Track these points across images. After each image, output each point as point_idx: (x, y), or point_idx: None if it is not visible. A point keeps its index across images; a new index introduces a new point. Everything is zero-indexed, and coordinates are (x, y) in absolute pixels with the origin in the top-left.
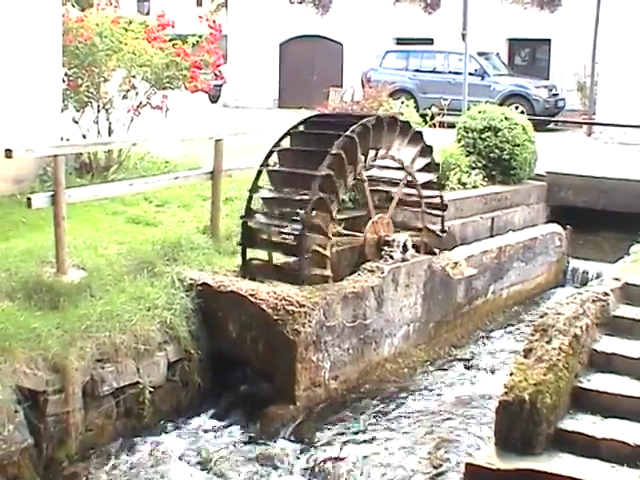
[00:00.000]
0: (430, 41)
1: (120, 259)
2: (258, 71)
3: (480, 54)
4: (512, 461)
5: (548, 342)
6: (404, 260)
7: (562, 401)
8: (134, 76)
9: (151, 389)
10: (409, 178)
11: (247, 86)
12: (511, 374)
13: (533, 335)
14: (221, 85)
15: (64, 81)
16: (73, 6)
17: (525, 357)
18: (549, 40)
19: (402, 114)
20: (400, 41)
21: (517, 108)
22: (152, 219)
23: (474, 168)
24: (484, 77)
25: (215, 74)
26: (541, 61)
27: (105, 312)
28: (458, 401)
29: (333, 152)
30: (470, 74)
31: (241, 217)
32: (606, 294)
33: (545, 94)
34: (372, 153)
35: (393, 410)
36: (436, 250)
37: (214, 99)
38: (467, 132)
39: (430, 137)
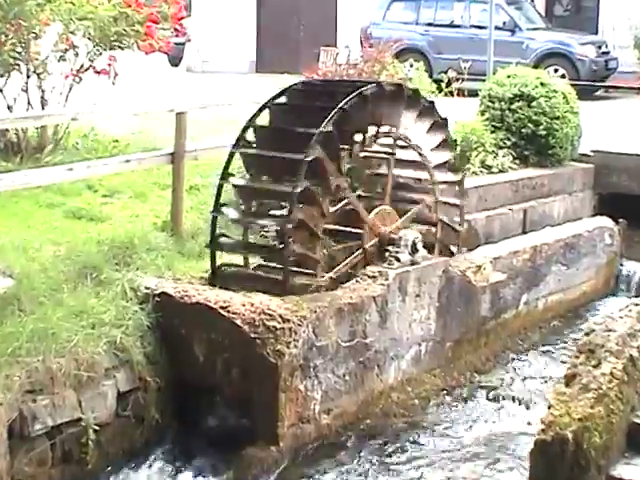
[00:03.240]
0: None
1: (57, 263)
2: (230, 26)
3: (510, 3)
4: None
5: (596, 366)
6: (413, 263)
7: (615, 441)
8: (73, 32)
9: (96, 427)
10: (418, 158)
11: (217, 45)
12: (550, 407)
13: (577, 357)
14: (184, 44)
15: None
16: None
17: (567, 385)
18: None
19: (410, 80)
20: None
21: (557, 71)
22: (97, 213)
23: (502, 147)
24: (515, 32)
25: (176, 30)
26: (587, 10)
27: (38, 330)
28: (482, 440)
29: (323, 130)
30: (497, 28)
31: (210, 212)
32: None
33: (592, 53)
34: (372, 130)
35: (400, 452)
36: (454, 249)
37: (175, 61)
38: (493, 102)
39: (446, 109)
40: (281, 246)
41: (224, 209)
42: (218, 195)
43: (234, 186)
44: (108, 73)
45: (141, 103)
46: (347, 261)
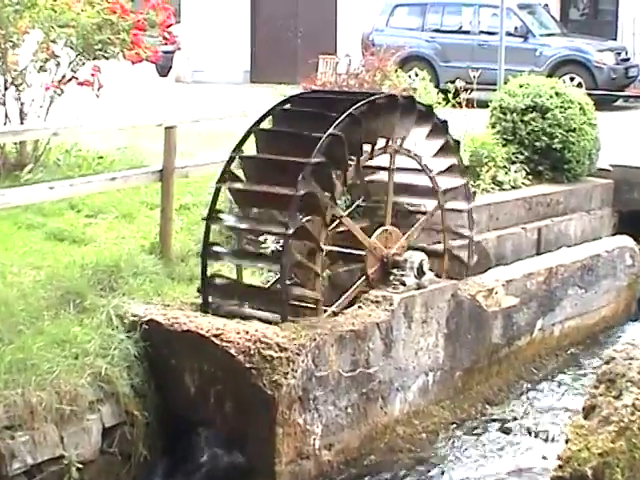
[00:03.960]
0: None
1: (37, 289)
2: (222, 32)
3: (522, 7)
4: None
5: (617, 397)
6: (420, 287)
7: (638, 478)
8: (54, 41)
9: (79, 465)
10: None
11: (208, 53)
12: (567, 441)
13: (596, 387)
14: (173, 52)
15: None
16: None
17: (586, 418)
18: None
19: (414, 90)
20: None
21: (573, 80)
22: (81, 235)
23: (514, 162)
24: (527, 38)
25: (164, 37)
26: (606, 14)
27: (17, 361)
28: (494, 478)
29: (333, 133)
30: (508, 34)
31: (203, 218)
32: None
33: (611, 60)
34: (381, 143)
35: None
36: (460, 261)
37: (164, 71)
38: (504, 113)
39: (453, 121)
40: (280, 254)
41: (215, 248)
42: (207, 234)
43: (230, 189)
44: (92, 84)
45: (127, 116)
46: (349, 293)
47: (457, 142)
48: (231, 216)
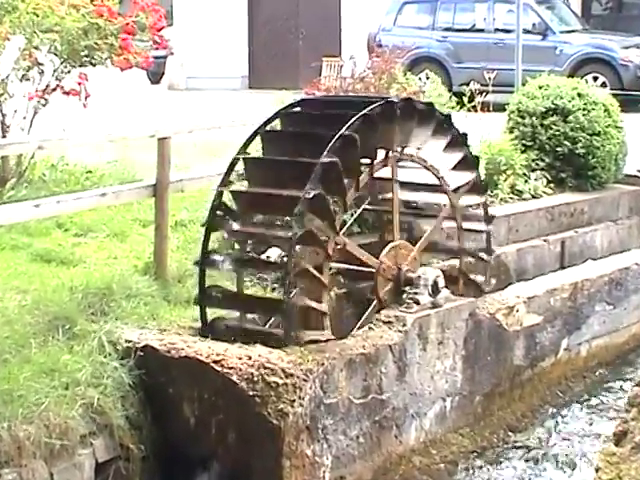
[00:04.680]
0: None
1: (23, 315)
2: (218, 36)
3: (540, 2)
4: None
5: None
6: (435, 306)
7: None
8: (37, 47)
9: None
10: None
11: (203, 58)
12: (597, 470)
13: (628, 412)
14: (165, 58)
15: None
16: None
17: (617, 444)
18: None
19: (423, 93)
20: None
21: (596, 79)
22: (69, 255)
23: (534, 169)
24: (546, 35)
25: (155, 42)
26: (630, 8)
27: (2, 393)
28: None
29: (346, 134)
30: (525, 32)
31: (202, 225)
32: None
33: (638, 57)
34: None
35: None
36: (477, 280)
37: (156, 78)
38: (523, 117)
39: (468, 127)
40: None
41: (214, 257)
42: (206, 242)
43: (233, 192)
44: (78, 93)
45: (117, 127)
46: (361, 322)
47: (464, 136)
48: (233, 222)
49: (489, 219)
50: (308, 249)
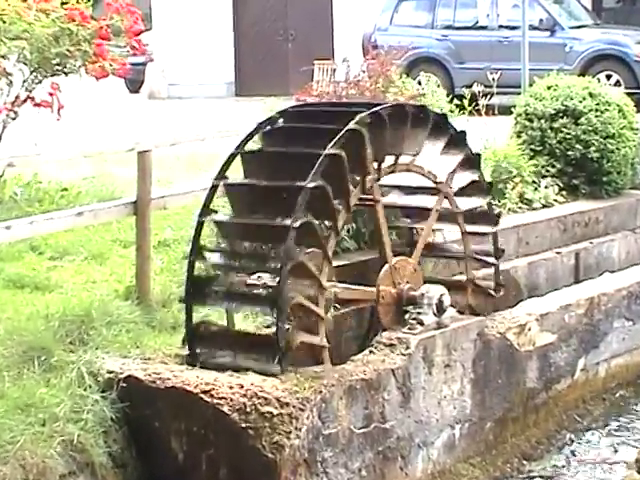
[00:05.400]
0: None
1: None
2: (201, 39)
3: None
4: None
5: None
6: (440, 326)
7: None
8: (4, 56)
9: None
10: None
11: (185, 64)
12: None
13: None
14: (144, 64)
15: None
16: None
17: None
18: None
19: (423, 96)
20: None
21: (609, 78)
22: (44, 280)
23: (544, 176)
24: (555, 32)
25: (133, 47)
26: None
27: None
28: None
29: (331, 152)
30: (532, 28)
31: (184, 257)
32: None
33: None
34: (390, 160)
35: None
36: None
37: (135, 87)
38: (530, 120)
39: (472, 132)
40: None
41: (201, 291)
42: (196, 237)
43: (215, 222)
44: (51, 105)
45: (94, 141)
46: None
47: (462, 133)
48: (218, 253)
49: (495, 220)
50: (300, 281)
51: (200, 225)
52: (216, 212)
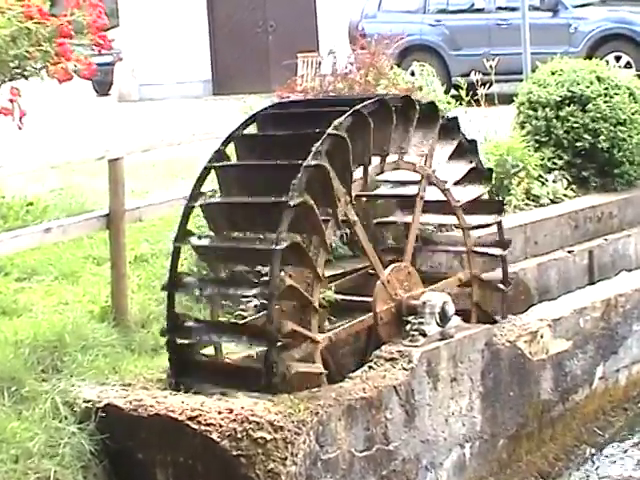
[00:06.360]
0: None
1: None
2: (174, 34)
3: None
4: None
5: None
6: (445, 337)
7: None
8: None
9: None
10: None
11: (157, 63)
12: None
13: None
14: (112, 64)
15: None
16: None
17: None
18: None
19: (420, 89)
20: None
21: (618, 59)
22: (11, 304)
23: (551, 169)
24: (558, 11)
25: (97, 44)
26: None
27: None
28: None
29: (311, 164)
30: (532, 8)
31: (162, 288)
32: None
33: None
34: (376, 161)
35: None
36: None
37: (103, 89)
38: (534, 109)
39: (470, 124)
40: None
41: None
42: (174, 263)
43: (195, 248)
44: (11, 112)
45: (61, 151)
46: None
47: (473, 142)
48: (197, 280)
49: (499, 208)
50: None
51: (177, 251)
52: (193, 234)
